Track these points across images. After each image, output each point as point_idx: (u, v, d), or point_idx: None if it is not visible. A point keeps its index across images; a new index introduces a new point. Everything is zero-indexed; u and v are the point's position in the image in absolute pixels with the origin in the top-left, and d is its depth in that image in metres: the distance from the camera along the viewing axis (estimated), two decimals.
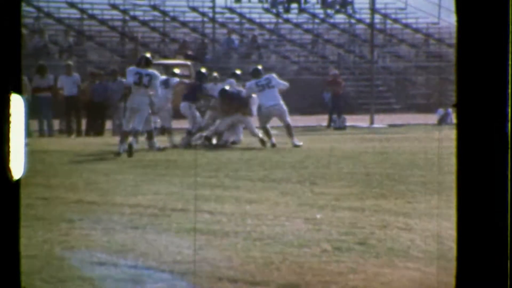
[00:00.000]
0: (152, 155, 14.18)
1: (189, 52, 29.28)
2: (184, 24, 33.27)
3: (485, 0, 2.67)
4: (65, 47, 28.70)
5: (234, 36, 32.21)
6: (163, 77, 16.16)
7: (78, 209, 8.23)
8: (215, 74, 20.71)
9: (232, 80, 16.71)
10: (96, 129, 20.54)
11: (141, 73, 14.49)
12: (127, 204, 8.55)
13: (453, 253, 6.56)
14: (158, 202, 8.67)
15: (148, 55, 15.64)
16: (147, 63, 14.72)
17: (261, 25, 34.03)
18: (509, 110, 2.68)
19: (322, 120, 24.27)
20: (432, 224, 7.35)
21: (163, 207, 8.33)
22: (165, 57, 27.08)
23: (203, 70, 17.73)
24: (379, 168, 11.75)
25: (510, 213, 2.69)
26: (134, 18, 32.76)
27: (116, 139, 15.07)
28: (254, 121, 16.13)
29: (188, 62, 25.98)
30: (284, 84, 16.22)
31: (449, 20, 33.94)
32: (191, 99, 16.20)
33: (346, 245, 6.50)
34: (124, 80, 15.75)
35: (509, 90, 2.68)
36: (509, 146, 2.68)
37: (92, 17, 32.34)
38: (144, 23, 32.70)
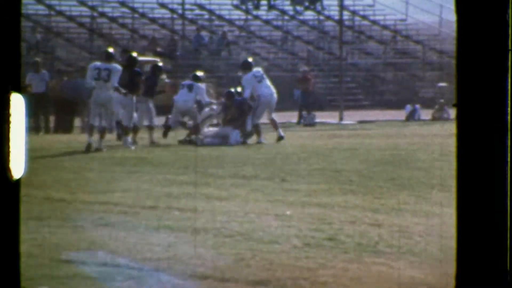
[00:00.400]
0: (122, 152, 14.14)
1: (159, 49, 29.18)
2: (153, 20, 33.14)
3: (485, 0, 2.67)
4: (33, 44, 28.47)
5: (204, 33, 32.16)
6: (187, 81, 16.57)
7: (46, 207, 8.19)
8: (201, 73, 20.70)
9: None
10: (64, 127, 20.40)
11: (100, 68, 14.62)
12: (97, 201, 8.52)
13: (419, 247, 6.62)
14: (128, 199, 8.65)
15: (111, 49, 15.68)
16: (108, 57, 14.89)
17: (230, 22, 34.01)
18: (509, 109, 2.69)
19: (292, 116, 24.33)
20: (400, 220, 7.42)
21: (133, 205, 8.32)
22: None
23: (160, 64, 17.92)
24: (348, 165, 11.82)
25: (510, 213, 2.69)
26: (102, 14, 32.58)
27: (85, 136, 15.01)
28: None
29: (157, 59, 25.91)
30: None
31: (417, 17, 34.18)
32: (148, 94, 16.13)
33: (315, 241, 6.54)
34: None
35: (509, 90, 2.69)
36: (509, 145, 2.69)
37: (60, 13, 32.10)
38: (113, 19, 32.52)
